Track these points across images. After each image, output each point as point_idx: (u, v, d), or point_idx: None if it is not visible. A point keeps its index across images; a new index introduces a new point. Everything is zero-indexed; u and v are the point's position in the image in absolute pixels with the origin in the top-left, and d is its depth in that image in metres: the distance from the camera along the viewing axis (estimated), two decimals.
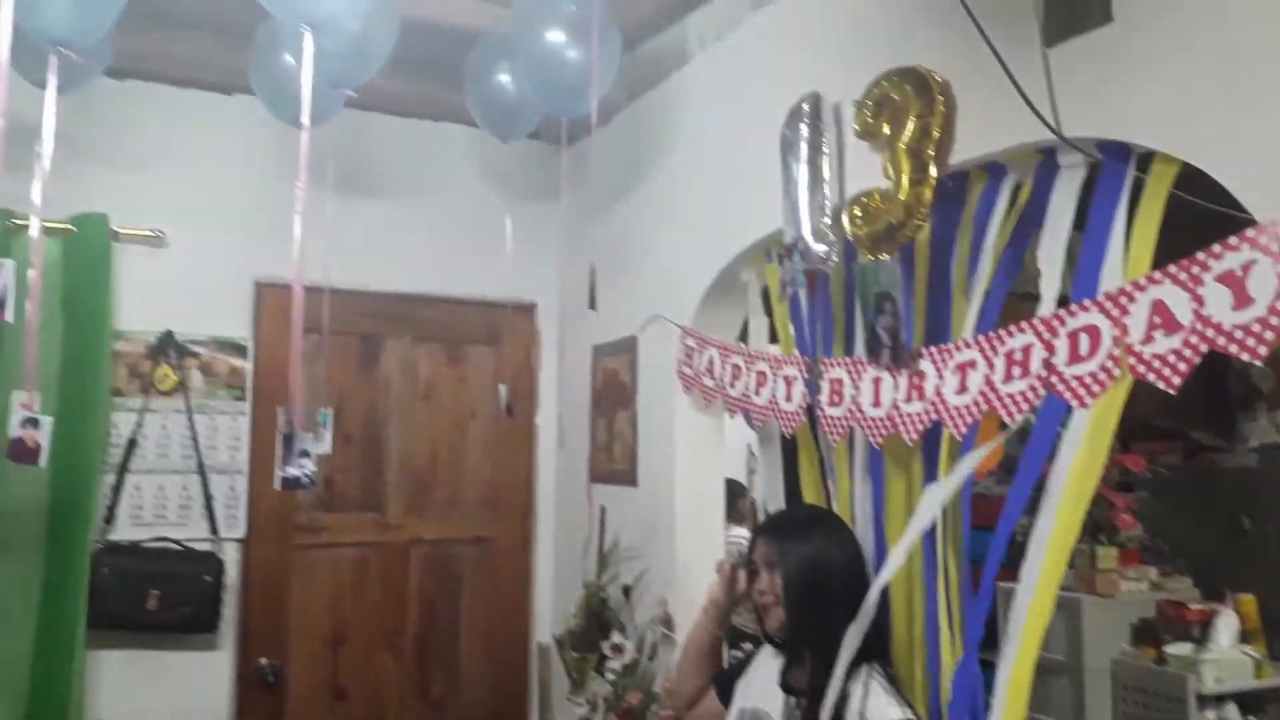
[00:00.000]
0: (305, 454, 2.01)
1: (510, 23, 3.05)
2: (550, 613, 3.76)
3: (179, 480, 3.24)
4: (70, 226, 3.10)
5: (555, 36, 2.64)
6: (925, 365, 2.00)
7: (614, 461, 3.34)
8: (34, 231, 2.34)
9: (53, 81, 2.21)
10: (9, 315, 1.82)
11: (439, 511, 3.69)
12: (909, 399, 2.02)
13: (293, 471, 1.99)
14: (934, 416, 1.95)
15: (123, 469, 3.15)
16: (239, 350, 3.36)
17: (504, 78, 2.97)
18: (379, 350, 3.64)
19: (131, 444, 3.17)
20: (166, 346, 3.25)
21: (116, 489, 3.14)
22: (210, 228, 3.34)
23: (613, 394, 3.40)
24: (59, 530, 2.99)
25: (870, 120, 2.12)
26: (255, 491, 3.33)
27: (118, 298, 3.20)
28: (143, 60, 3.22)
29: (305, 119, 2.00)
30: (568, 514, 3.71)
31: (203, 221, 3.33)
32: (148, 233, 3.25)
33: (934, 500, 1.90)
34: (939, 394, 1.96)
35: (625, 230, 3.37)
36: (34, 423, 2.15)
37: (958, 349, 1.94)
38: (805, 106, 2.31)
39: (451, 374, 3.77)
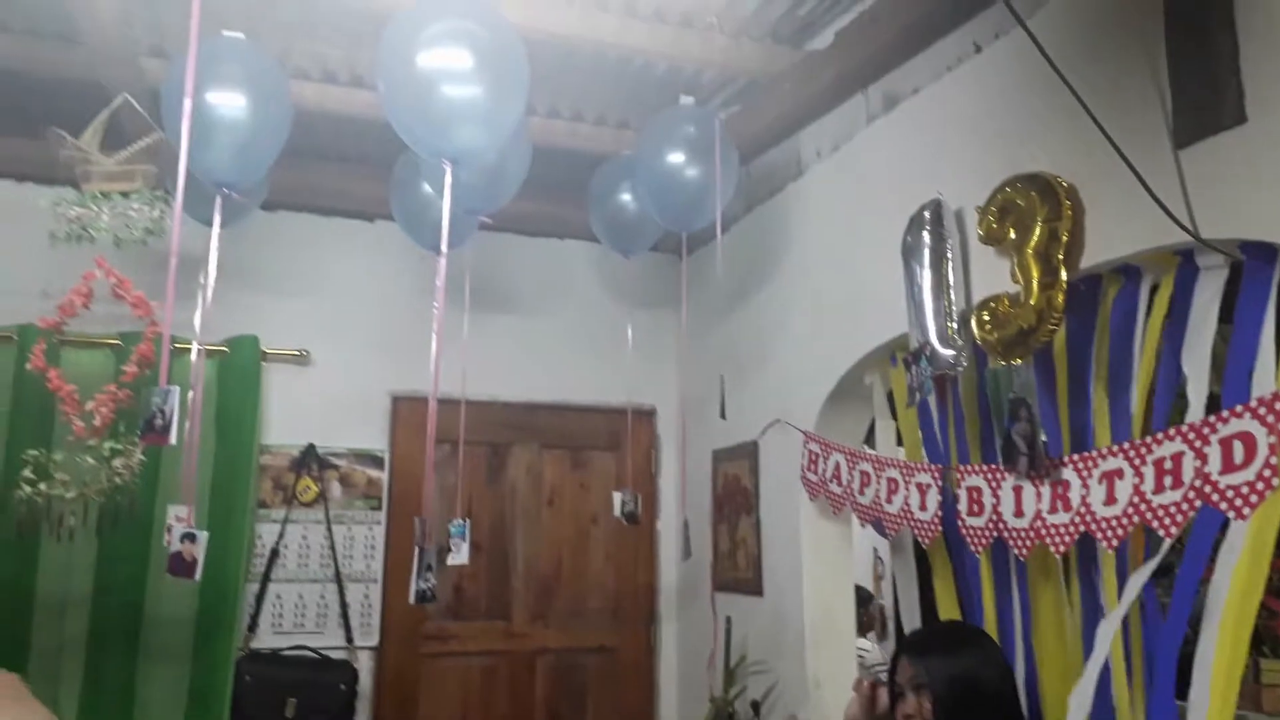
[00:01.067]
0: (430, 567, 2.06)
1: (632, 146, 3.21)
2: None
3: (317, 589, 3.35)
4: (224, 348, 3.32)
5: (676, 158, 2.74)
6: (1068, 473, 1.94)
7: (738, 570, 3.30)
8: (194, 355, 2.52)
9: (217, 219, 2.40)
10: (173, 439, 1.95)
11: (563, 620, 3.70)
12: (1054, 509, 1.96)
13: (422, 586, 2.04)
14: (1082, 528, 1.88)
15: (266, 578, 3.28)
16: (376, 461, 3.50)
17: (626, 197, 3.09)
18: (506, 458, 3.73)
19: (274, 554, 3.31)
20: (309, 459, 3.41)
21: (260, 598, 3.27)
22: (350, 345, 3.53)
23: (734, 500, 3.38)
24: (206, 638, 3.12)
25: (994, 226, 2.12)
26: (388, 600, 3.41)
27: (265, 413, 3.38)
28: (291, 192, 3.47)
29: (444, 248, 2.11)
30: (691, 623, 3.67)
31: (344, 340, 3.53)
32: (294, 352, 3.45)
33: (1107, 636, 1.82)
34: (1085, 504, 1.89)
35: (744, 336, 3.40)
36: (191, 537, 2.26)
37: (1102, 457, 1.88)
38: (927, 213, 2.32)
39: (575, 480, 3.82)
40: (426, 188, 2.97)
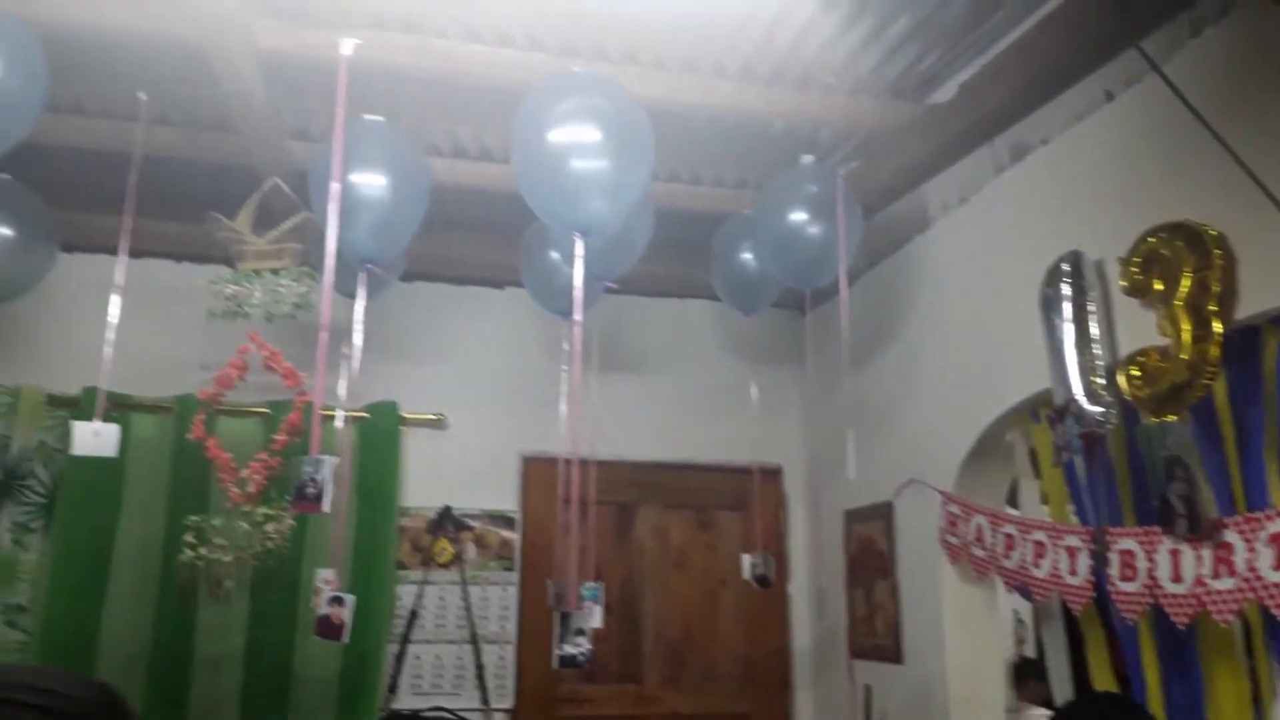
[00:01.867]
0: (581, 632, 2.07)
1: (751, 205, 3.23)
2: None
3: (454, 650, 3.41)
4: (365, 414, 3.45)
5: (798, 215, 2.74)
6: (1231, 536, 1.82)
7: (876, 636, 3.20)
8: (339, 422, 2.63)
9: (362, 294, 2.52)
10: (325, 507, 2.03)
11: (695, 683, 3.65)
12: (1216, 574, 1.84)
13: (569, 650, 2.05)
14: (1250, 595, 1.76)
15: (405, 639, 3.36)
16: (508, 522, 3.57)
17: (747, 255, 3.11)
18: (634, 518, 3.74)
19: (413, 615, 3.39)
20: (445, 521, 3.49)
21: (399, 659, 3.34)
22: (483, 408, 3.63)
23: (869, 562, 3.29)
24: (350, 698, 3.21)
25: (1139, 277, 2.04)
26: (523, 662, 3.44)
27: (403, 477, 3.49)
28: (425, 262, 3.61)
29: (577, 316, 2.16)
30: (828, 691, 3.57)
31: (476, 403, 3.63)
32: (430, 416, 3.56)
33: None
34: (1253, 569, 1.76)
35: (872, 393, 3.34)
36: (339, 600, 2.35)
37: (1269, 518, 1.76)
38: (1065, 265, 2.25)
39: (702, 540, 3.80)
40: (554, 255, 3.06)
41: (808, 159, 2.85)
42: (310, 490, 2.02)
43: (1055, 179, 2.47)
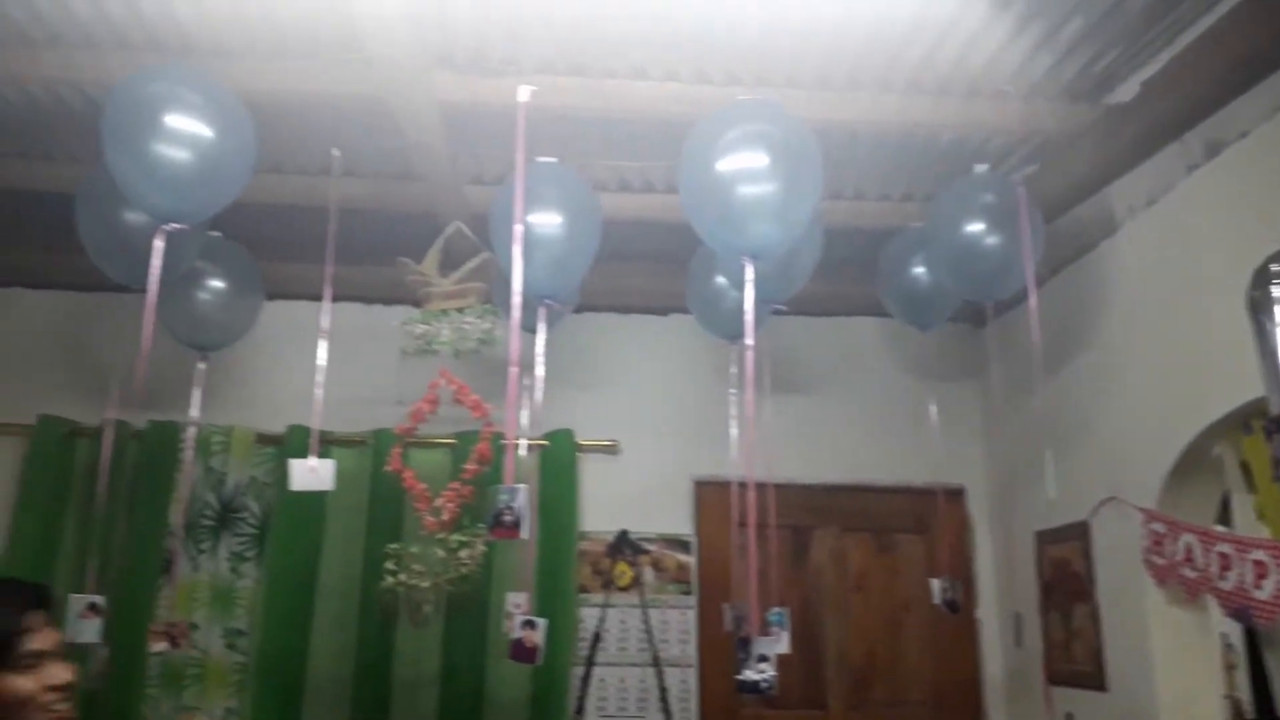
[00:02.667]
0: (764, 658, 2.06)
1: (918, 218, 3.17)
2: None
3: (637, 673, 3.46)
4: (544, 442, 3.57)
5: (975, 226, 2.67)
6: None
7: (1074, 662, 3.04)
8: (523, 450, 2.73)
9: (542, 328, 2.61)
10: (523, 533, 2.11)
11: (880, 711, 3.56)
12: None
13: (752, 676, 2.04)
14: None
15: (590, 662, 3.43)
16: (684, 546, 3.60)
17: (919, 270, 3.04)
18: (809, 542, 3.70)
19: (596, 638, 3.46)
20: (622, 545, 3.56)
21: (585, 681, 3.42)
22: (654, 433, 3.69)
23: (1065, 585, 3.14)
24: None
25: None
26: (705, 685, 3.46)
27: (581, 502, 3.57)
28: (593, 293, 3.71)
29: (749, 340, 2.18)
30: (1023, 719, 3.41)
31: (648, 428, 3.70)
32: (604, 442, 3.65)
33: None
34: None
35: (1062, 407, 3.19)
36: (531, 624, 2.42)
37: None
38: (1276, 265, 2.09)
39: (882, 564, 3.71)
40: (720, 280, 3.09)
41: (982, 168, 2.77)
42: (507, 518, 2.10)
43: (1258, 173, 2.31)
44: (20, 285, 3.75)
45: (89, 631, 2.55)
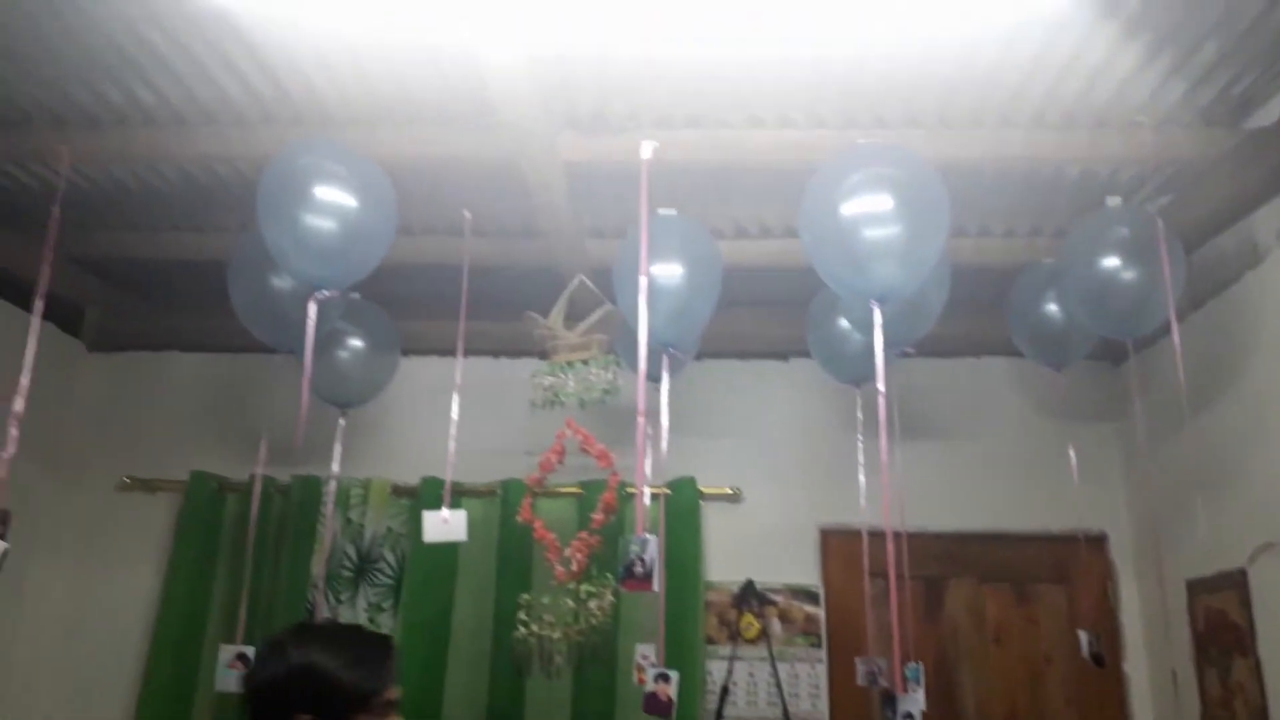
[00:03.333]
0: (910, 716, 2.00)
1: (1045, 254, 3.08)
2: None
3: None
4: (666, 490, 3.57)
5: (1111, 262, 2.59)
6: None
7: None
8: (647, 499, 2.74)
9: (666, 377, 2.64)
10: (655, 585, 2.12)
11: None
12: None
13: None
14: None
15: (718, 715, 3.39)
16: (811, 597, 3.54)
17: (1051, 307, 2.96)
18: (943, 592, 3.59)
19: (724, 691, 3.42)
20: (748, 595, 3.52)
21: None
22: (777, 481, 3.66)
23: (1222, 638, 2.95)
24: None
25: None
26: None
27: (705, 551, 3.56)
28: (711, 340, 3.72)
29: (881, 386, 2.15)
30: None
31: (771, 476, 3.67)
32: (726, 490, 3.63)
33: None
34: None
35: (1209, 447, 3.03)
36: (665, 677, 2.41)
37: None
38: None
39: (1021, 615, 3.57)
40: (842, 324, 3.06)
41: (1114, 200, 2.69)
42: (639, 569, 2.11)
43: None
44: (175, 349, 4.01)
45: (234, 681, 2.67)
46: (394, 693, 1.74)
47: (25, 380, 2.32)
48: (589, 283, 3.15)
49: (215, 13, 2.28)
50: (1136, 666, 3.45)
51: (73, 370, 3.90)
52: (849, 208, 2.17)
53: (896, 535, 3.05)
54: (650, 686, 2.38)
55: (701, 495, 3.60)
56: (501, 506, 3.53)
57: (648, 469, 3.00)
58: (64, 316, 3.79)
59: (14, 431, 2.29)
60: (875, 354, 2.19)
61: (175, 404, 3.95)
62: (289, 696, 1.67)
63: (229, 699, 3.30)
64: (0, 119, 2.82)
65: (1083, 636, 2.97)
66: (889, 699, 2.04)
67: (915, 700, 2.20)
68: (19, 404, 2.30)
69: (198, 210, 3.35)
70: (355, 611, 3.52)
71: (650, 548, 2.11)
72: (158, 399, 3.95)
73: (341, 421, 3.12)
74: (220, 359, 3.96)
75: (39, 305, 2.42)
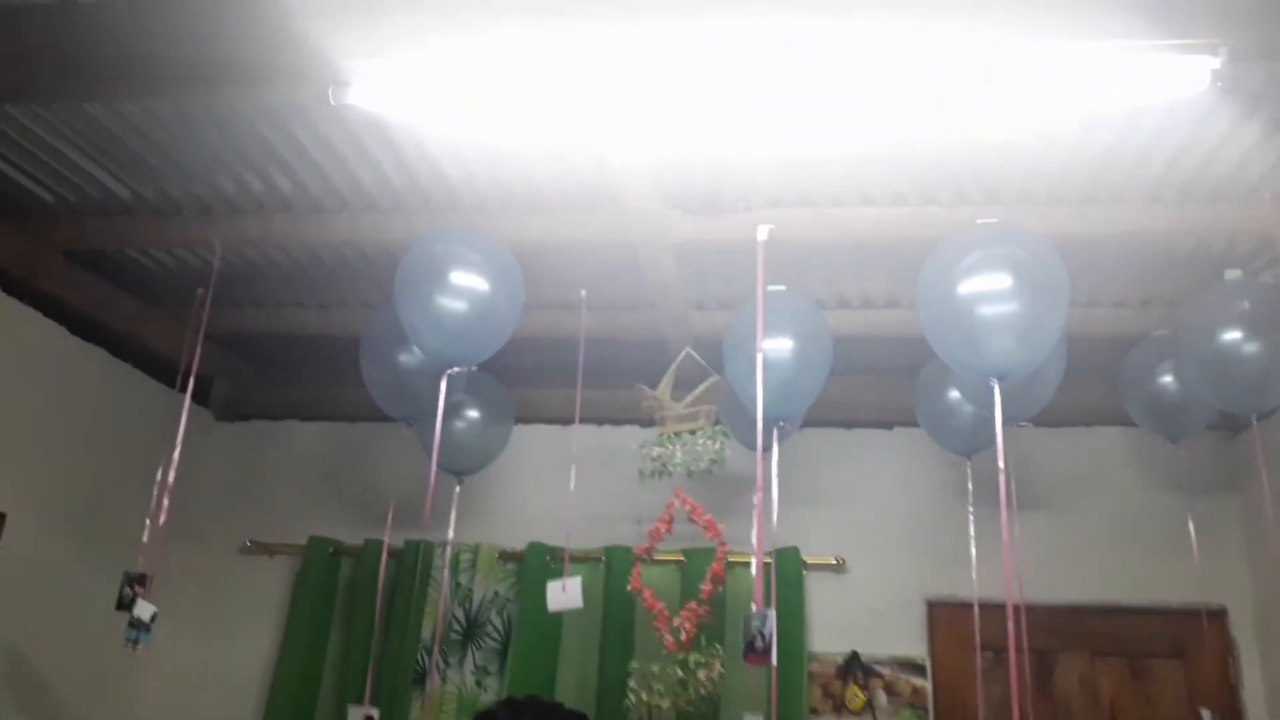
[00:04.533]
0: None
1: (1157, 325, 3.06)
2: None
3: None
4: (769, 559, 3.58)
5: (1232, 335, 2.56)
6: None
7: None
8: (754, 569, 2.77)
9: (776, 449, 2.68)
10: (773, 659, 2.15)
11: None
12: None
13: None
14: None
15: None
16: (918, 670, 3.50)
17: (1167, 379, 2.94)
18: (1054, 667, 3.51)
19: None
20: (853, 666, 3.50)
21: None
22: (883, 552, 3.64)
23: None
24: None
25: None
26: None
27: (810, 621, 3.55)
28: (817, 409, 3.76)
29: (1001, 463, 2.16)
30: None
31: (876, 546, 3.65)
32: (831, 561, 3.63)
33: None
34: None
35: None
36: None
37: None
38: None
39: (1136, 691, 3.46)
40: (952, 395, 3.08)
41: (1234, 273, 2.67)
42: (759, 644, 2.15)
43: None
44: (294, 418, 4.20)
45: None
46: None
47: (176, 455, 2.49)
48: (695, 355, 3.23)
49: (356, 109, 2.45)
50: None
51: (200, 439, 4.12)
52: (968, 285, 2.21)
53: (983, 606, 3.03)
54: None
55: (805, 565, 3.60)
56: (606, 573, 3.59)
57: (753, 539, 3.06)
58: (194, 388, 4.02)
59: (165, 502, 2.46)
60: (995, 430, 2.21)
61: (294, 471, 4.12)
62: None
63: None
64: (153, 208, 3.05)
65: (1206, 716, 2.88)
66: None
67: None
68: (170, 476, 2.46)
69: (321, 289, 3.54)
70: (463, 674, 3.59)
71: (770, 622, 2.15)
72: (278, 466, 4.13)
73: (457, 489, 3.23)
74: (337, 427, 4.14)
75: (190, 384, 2.59)
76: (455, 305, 2.35)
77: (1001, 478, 2.18)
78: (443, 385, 2.37)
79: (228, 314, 3.68)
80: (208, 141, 2.68)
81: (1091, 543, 3.55)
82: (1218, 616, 3.45)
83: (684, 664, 3.00)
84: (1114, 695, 3.47)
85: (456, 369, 2.39)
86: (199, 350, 2.63)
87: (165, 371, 3.70)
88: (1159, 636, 3.46)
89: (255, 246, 3.22)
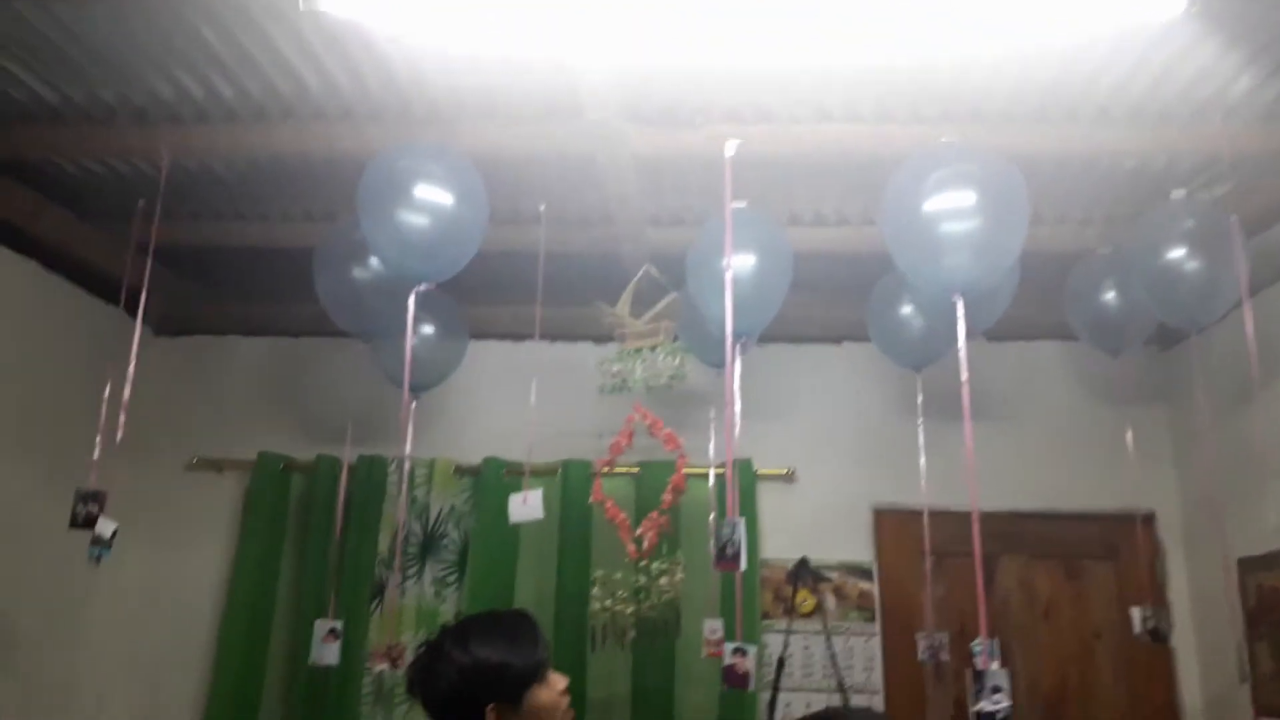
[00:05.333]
0: (998, 689, 2.08)
1: (1099, 242, 3.14)
2: None
3: (823, 699, 3.50)
4: (720, 471, 3.65)
5: (1176, 253, 2.64)
6: None
7: None
8: (727, 479, 2.82)
9: (738, 364, 2.70)
10: (743, 565, 2.21)
11: None
12: None
13: (988, 708, 2.07)
14: None
15: (775, 687, 3.49)
16: (865, 574, 3.63)
17: (1111, 295, 3.02)
18: (995, 569, 3.68)
19: (780, 663, 3.51)
20: (803, 572, 3.61)
21: (772, 706, 3.47)
22: (831, 462, 3.75)
23: (1273, 614, 3.03)
24: None
25: None
26: (892, 713, 3.47)
27: (761, 529, 3.65)
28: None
29: (964, 375, 2.22)
30: None
31: (825, 457, 3.76)
32: (782, 471, 3.72)
33: None
34: None
35: (1261, 430, 3.10)
36: (742, 651, 2.51)
37: None
38: None
39: (1070, 590, 3.66)
40: (904, 310, 3.13)
41: (1179, 193, 2.74)
42: (729, 551, 2.20)
43: None
44: (236, 333, 4.11)
45: (331, 654, 2.79)
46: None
47: (131, 370, 2.42)
48: (655, 271, 3.22)
49: (304, 10, 2.32)
50: (1182, 641, 3.54)
51: (140, 355, 3.99)
52: (933, 203, 2.24)
53: (954, 515, 3.15)
54: (729, 660, 2.47)
55: (756, 476, 3.68)
56: (563, 485, 3.62)
57: (710, 452, 3.13)
58: (126, 301, 3.88)
59: (122, 417, 2.40)
60: (947, 344, 2.27)
61: (240, 387, 4.05)
62: (474, 695, 1.83)
63: (300, 672, 3.44)
64: (84, 113, 2.89)
65: (1135, 613, 3.05)
66: (976, 674, 2.12)
67: (1000, 674, 2.26)
68: (126, 392, 2.39)
69: (263, 201, 3.41)
70: (422, 586, 3.63)
71: (740, 530, 2.20)
72: (223, 382, 4.05)
73: (413, 405, 3.21)
74: (282, 343, 4.07)
75: (142, 301, 2.50)
76: (421, 221, 2.29)
77: (965, 390, 2.24)
78: (411, 302, 2.32)
79: (163, 226, 3.53)
80: (143, 42, 2.53)
81: (1031, 452, 3.70)
82: (1147, 521, 3.63)
83: (646, 570, 3.08)
84: (1050, 595, 3.65)
85: (424, 285, 2.35)
86: (149, 264, 2.52)
87: (98, 285, 3.57)
88: (1092, 540, 3.64)
89: (195, 155, 3.08)
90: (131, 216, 3.03)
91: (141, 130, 2.91)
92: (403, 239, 2.28)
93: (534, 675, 1.87)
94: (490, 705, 1.81)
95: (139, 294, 3.86)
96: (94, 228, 3.46)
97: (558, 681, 1.92)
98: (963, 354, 2.22)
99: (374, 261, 2.59)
